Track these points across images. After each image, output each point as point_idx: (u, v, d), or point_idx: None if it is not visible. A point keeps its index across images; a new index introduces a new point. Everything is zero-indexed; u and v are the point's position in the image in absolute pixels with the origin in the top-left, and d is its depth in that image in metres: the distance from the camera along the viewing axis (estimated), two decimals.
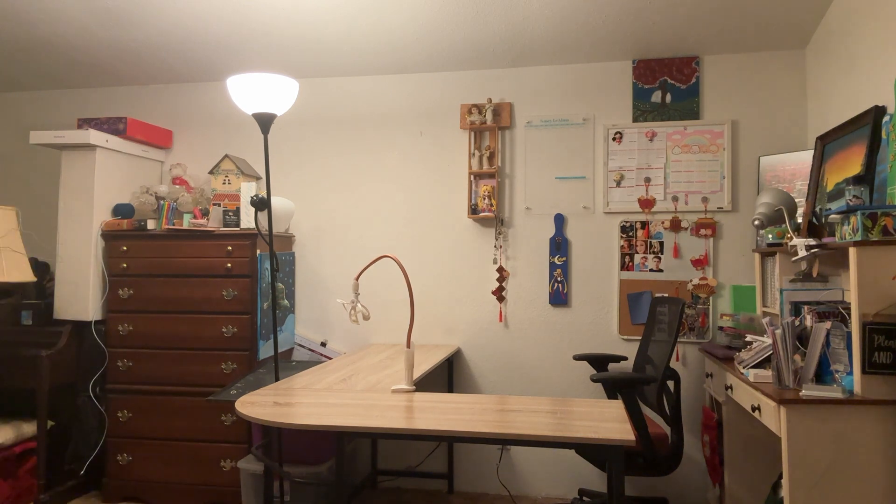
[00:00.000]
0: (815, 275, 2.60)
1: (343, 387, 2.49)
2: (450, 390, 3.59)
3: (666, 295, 3.38)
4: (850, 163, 2.48)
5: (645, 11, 2.98)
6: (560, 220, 3.53)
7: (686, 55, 3.42)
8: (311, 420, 2.00)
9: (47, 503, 3.21)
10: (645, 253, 3.43)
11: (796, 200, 2.80)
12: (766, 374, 2.32)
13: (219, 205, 3.51)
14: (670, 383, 3.01)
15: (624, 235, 3.46)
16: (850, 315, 2.08)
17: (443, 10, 3.01)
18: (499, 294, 3.59)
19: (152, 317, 3.42)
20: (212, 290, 3.37)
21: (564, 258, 3.52)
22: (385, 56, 3.51)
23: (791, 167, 3.10)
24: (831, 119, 2.94)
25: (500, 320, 3.59)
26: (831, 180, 2.62)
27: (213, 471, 3.33)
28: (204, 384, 3.35)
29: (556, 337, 3.52)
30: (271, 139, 3.86)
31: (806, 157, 3.00)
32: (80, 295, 3.41)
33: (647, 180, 3.43)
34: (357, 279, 2.47)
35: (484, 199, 3.54)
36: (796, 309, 2.47)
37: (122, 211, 3.55)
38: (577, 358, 3.30)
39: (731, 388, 2.66)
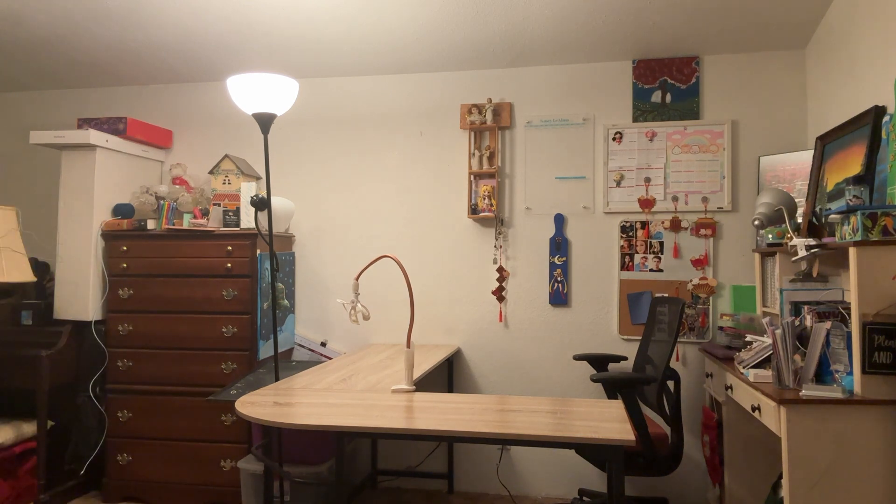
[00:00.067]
0: (815, 275, 2.60)
1: (343, 387, 2.49)
2: (450, 390, 3.59)
3: (666, 295, 3.38)
4: (850, 163, 2.48)
5: (645, 11, 2.98)
6: (560, 220, 3.53)
7: (686, 55, 3.42)
8: (311, 420, 2.00)
9: (47, 503, 3.21)
10: (645, 253, 3.43)
11: (796, 200, 2.80)
12: (766, 374, 2.32)
13: (219, 205, 3.51)
14: (670, 383, 3.01)
15: (624, 235, 3.46)
16: (850, 315, 2.08)
17: (443, 10, 3.01)
18: (499, 294, 3.59)
19: (152, 317, 3.42)
20: (212, 290, 3.37)
21: (564, 258, 3.52)
22: (385, 56, 3.51)
23: (791, 167, 3.10)
24: (831, 119, 2.94)
25: (500, 320, 3.59)
26: (831, 180, 2.62)
27: (213, 471, 3.33)
28: (204, 384, 3.35)
29: (556, 337, 3.52)
30: (271, 139, 3.87)
31: (806, 157, 3.00)
32: (80, 295, 3.41)
33: (647, 180, 3.43)
34: (357, 279, 2.47)
35: (484, 199, 3.54)
36: (796, 309, 2.47)
37: (122, 211, 3.55)
38: (577, 358, 3.30)
39: (731, 388, 2.66)
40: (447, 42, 3.33)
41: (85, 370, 3.44)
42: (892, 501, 1.96)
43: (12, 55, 3.59)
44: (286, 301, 3.63)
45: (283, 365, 3.28)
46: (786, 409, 2.02)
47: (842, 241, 2.16)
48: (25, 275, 3.28)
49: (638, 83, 3.47)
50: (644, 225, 3.44)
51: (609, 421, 1.99)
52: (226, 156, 3.53)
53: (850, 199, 2.20)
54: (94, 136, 3.38)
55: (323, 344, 3.73)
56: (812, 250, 2.35)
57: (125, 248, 3.46)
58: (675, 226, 3.40)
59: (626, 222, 3.46)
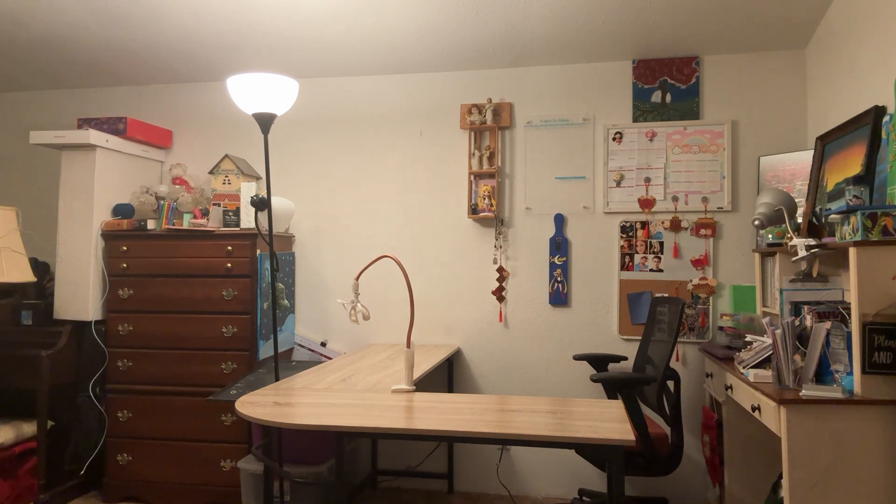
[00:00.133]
0: (815, 275, 2.60)
1: (343, 387, 2.49)
2: (450, 390, 3.59)
3: (666, 295, 3.38)
4: (850, 163, 2.48)
5: (645, 11, 2.98)
6: (560, 220, 3.53)
7: (686, 55, 3.42)
8: (311, 420, 2.00)
9: (47, 503, 3.21)
10: (645, 253, 3.43)
11: (796, 200, 2.80)
12: (766, 374, 2.32)
13: (219, 205, 3.51)
14: (670, 383, 3.01)
15: (624, 235, 3.46)
16: (850, 315, 2.08)
17: (443, 10, 3.01)
18: (499, 294, 3.59)
19: (152, 317, 3.42)
20: (212, 290, 3.37)
21: (564, 258, 3.52)
22: (385, 56, 3.51)
23: (791, 167, 3.10)
24: (831, 119, 2.94)
25: (500, 320, 3.59)
26: (831, 180, 2.62)
27: (213, 471, 3.33)
28: (204, 384, 3.35)
29: (556, 337, 3.52)
30: (271, 139, 3.87)
31: (806, 157, 3.00)
32: (80, 295, 3.41)
33: (647, 180, 3.43)
34: (357, 279, 2.47)
35: (484, 199, 3.54)
36: (796, 309, 2.47)
37: (122, 211, 3.55)
38: (577, 358, 3.30)
39: (731, 388, 2.66)
40: (447, 42, 3.33)
41: (85, 370, 3.44)
42: (892, 501, 1.96)
43: (12, 55, 3.59)
44: (286, 301, 3.63)
45: (283, 365, 3.28)
46: (786, 409, 2.02)
47: (842, 241, 2.16)
48: (25, 275, 3.28)
49: (638, 83, 3.47)
50: (644, 225, 3.44)
51: (609, 421, 1.99)
52: (226, 156, 3.53)
53: (850, 199, 2.20)
54: (94, 136, 3.38)
55: (323, 344, 3.73)
56: (812, 250, 2.35)
57: (125, 248, 3.46)
58: (675, 226, 3.40)
59: (626, 222, 3.46)
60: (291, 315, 3.72)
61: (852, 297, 2.02)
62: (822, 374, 2.19)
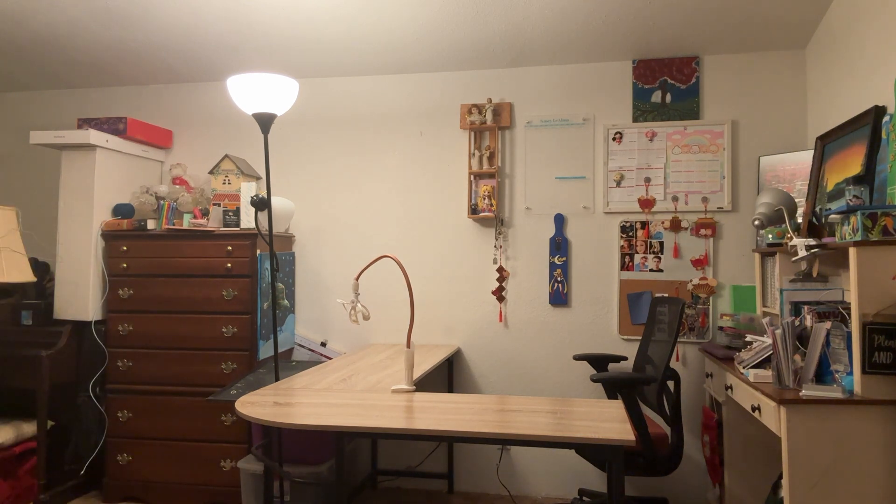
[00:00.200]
0: (815, 275, 2.60)
1: (343, 387, 2.49)
2: (450, 390, 3.59)
3: (666, 295, 3.38)
4: (850, 163, 2.48)
5: (645, 11, 2.98)
6: (560, 220, 3.53)
7: (686, 55, 3.42)
8: (311, 420, 2.00)
9: (47, 503, 3.21)
10: (645, 253, 3.43)
11: (796, 200, 2.80)
12: (766, 374, 2.32)
13: (219, 205, 3.51)
14: (670, 383, 3.01)
15: (624, 235, 3.46)
16: (850, 315, 2.08)
17: (443, 10, 3.01)
18: (499, 294, 3.59)
19: (152, 317, 3.42)
20: (212, 290, 3.37)
21: (564, 258, 3.52)
22: (385, 56, 3.51)
23: (791, 167, 3.10)
24: (831, 119, 2.94)
25: (500, 320, 3.59)
26: (831, 180, 2.62)
27: (213, 471, 3.33)
28: (204, 384, 3.35)
29: (556, 337, 3.52)
30: (271, 139, 3.87)
31: (806, 157, 3.00)
32: (80, 295, 3.41)
33: (647, 180, 3.43)
34: (357, 279, 2.47)
35: (484, 199, 3.54)
36: (796, 309, 2.47)
37: (122, 211, 3.55)
38: (577, 358, 3.30)
39: (731, 388, 2.66)
40: (447, 42, 3.33)
41: (85, 370, 3.44)
42: (892, 501, 1.96)
43: (12, 55, 3.59)
44: (286, 301, 3.63)
45: (283, 365, 3.28)
46: (786, 409, 2.02)
47: (842, 241, 2.16)
48: (25, 275, 3.28)
49: (638, 83, 3.47)
50: (644, 225, 3.44)
51: (609, 421, 1.99)
52: (226, 156, 3.53)
53: (850, 199, 2.20)
54: (94, 136, 3.38)
55: (323, 344, 3.73)
56: (812, 250, 2.35)
57: (125, 248, 3.46)
58: (675, 226, 3.40)
59: (626, 222, 3.46)
60: (291, 315, 3.72)
61: (852, 297, 2.02)
62: (822, 374, 2.19)
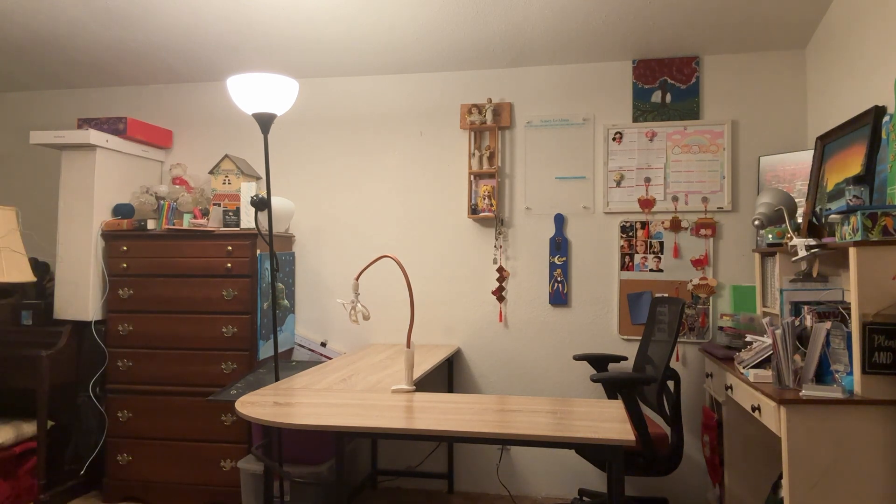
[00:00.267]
0: (815, 275, 2.60)
1: (343, 387, 2.49)
2: (450, 390, 3.59)
3: (666, 295, 3.38)
4: (850, 163, 2.48)
5: (645, 11, 2.98)
6: (560, 220, 3.53)
7: (686, 55, 3.42)
8: (311, 420, 2.00)
9: (47, 503, 3.21)
10: (645, 253, 3.43)
11: (796, 200, 2.80)
12: (766, 374, 2.32)
13: (219, 205, 3.51)
14: (670, 383, 3.01)
15: (624, 235, 3.46)
16: (850, 315, 2.08)
17: (443, 10, 3.01)
18: (499, 294, 3.59)
19: (152, 317, 3.42)
20: (212, 290, 3.37)
21: (564, 258, 3.52)
22: (385, 56, 3.51)
23: (791, 167, 3.10)
24: (831, 119, 2.94)
25: (500, 320, 3.59)
26: (831, 180, 2.62)
27: (213, 471, 3.33)
28: (204, 384, 3.35)
29: (556, 337, 3.52)
30: (271, 139, 3.87)
31: (806, 157, 3.00)
32: (80, 295, 3.41)
33: (647, 180, 3.43)
34: (357, 279, 2.47)
35: (484, 199, 3.54)
36: (796, 309, 2.47)
37: (122, 211, 3.55)
38: (577, 358, 3.30)
39: (731, 388, 2.66)
40: (447, 42, 3.33)
41: (85, 370, 3.44)
42: (892, 501, 1.96)
43: (12, 55, 3.59)
44: (286, 301, 3.63)
45: (283, 365, 3.28)
46: (786, 409, 2.02)
47: (842, 241, 2.16)
48: (25, 275, 3.28)
49: (638, 83, 3.47)
50: (644, 225, 3.44)
51: (609, 421, 1.99)
52: (226, 156, 3.53)
53: (850, 199, 2.20)
54: (94, 136, 3.38)
55: (323, 344, 3.73)
56: (812, 250, 2.35)
57: (125, 248, 3.46)
58: (675, 226, 3.40)
59: (626, 222, 3.46)
60: (291, 315, 3.72)
61: (852, 297, 2.02)
62: (822, 374, 2.19)
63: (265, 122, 2.59)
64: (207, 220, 3.52)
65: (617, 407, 2.19)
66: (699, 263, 3.38)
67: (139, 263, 3.44)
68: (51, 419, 3.30)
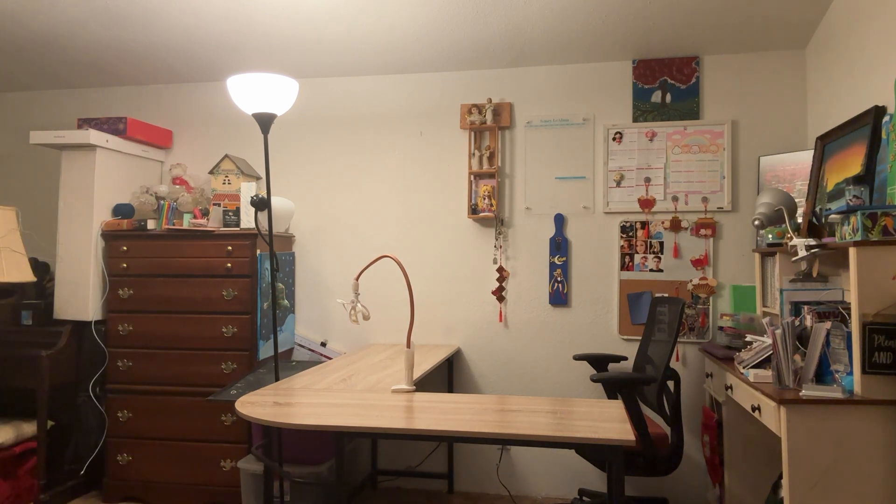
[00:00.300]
0: (815, 275, 2.60)
1: (343, 387, 2.49)
2: (450, 390, 3.59)
3: (666, 295, 3.38)
4: (850, 163, 2.48)
5: (645, 11, 2.98)
6: (560, 220, 3.53)
7: (686, 55, 3.42)
8: (311, 420, 2.00)
9: (47, 503, 3.21)
10: (645, 253, 3.43)
11: (796, 200, 2.80)
12: (766, 374, 2.32)
13: (219, 205, 3.51)
14: (670, 383, 3.01)
15: (624, 235, 3.46)
16: (850, 315, 2.08)
17: (443, 10, 3.01)
18: (499, 294, 3.59)
19: (152, 317, 3.42)
20: (212, 290, 3.37)
21: (564, 258, 3.52)
22: (385, 56, 3.51)
23: (791, 167, 3.10)
24: (831, 119, 2.94)
25: (500, 320, 3.59)
26: (831, 180, 2.62)
27: (213, 471, 3.33)
28: (204, 384, 3.35)
29: (556, 337, 3.52)
30: (271, 139, 3.87)
31: (806, 157, 3.00)
32: (80, 295, 3.41)
33: (647, 180, 3.43)
34: (357, 279, 2.47)
35: (484, 199, 3.54)
36: (796, 309, 2.47)
37: (122, 211, 3.55)
38: (577, 358, 3.30)
39: (731, 388, 2.66)
40: (447, 42, 3.33)
41: (85, 370, 3.44)
42: (892, 501, 1.96)
43: (12, 55, 3.59)
44: (286, 301, 3.63)
45: (283, 365, 3.28)
46: (786, 409, 2.02)
47: (842, 241, 2.16)
48: (25, 275, 3.28)
49: (638, 83, 3.47)
50: (644, 225, 3.44)
51: (609, 421, 1.99)
52: (226, 156, 3.53)
53: (850, 199, 2.20)
54: (94, 136, 3.38)
55: (323, 344, 3.73)
56: (812, 250, 2.35)
57: (125, 248, 3.46)
58: (675, 226, 3.40)
59: (626, 222, 3.46)
60: (291, 315, 3.72)
61: (852, 297, 2.02)
62: (822, 374, 2.19)
63: (265, 122, 2.59)
64: (207, 220, 3.52)
65: (617, 407, 2.19)
66: (699, 263, 3.38)
67: (139, 263, 3.44)
68: (51, 419, 3.30)
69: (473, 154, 3.59)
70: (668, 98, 3.43)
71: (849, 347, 2.08)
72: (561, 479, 3.48)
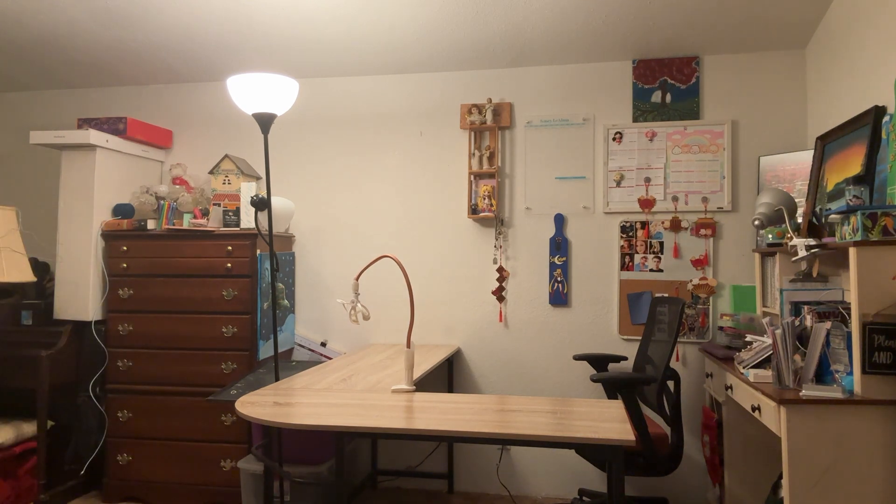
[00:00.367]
0: (815, 275, 2.60)
1: (343, 387, 2.49)
2: (450, 390, 3.59)
3: (666, 295, 3.38)
4: (850, 163, 2.48)
5: (645, 11, 2.98)
6: (560, 220, 3.53)
7: (686, 55, 3.42)
8: (311, 420, 2.00)
9: (47, 503, 3.21)
10: (645, 253, 3.43)
11: (796, 200, 2.80)
12: (766, 374, 2.32)
13: (219, 205, 3.51)
14: (670, 383, 3.01)
15: (624, 235, 3.46)
16: (850, 315, 2.08)
17: (443, 10, 3.01)
18: (499, 294, 3.59)
19: (152, 317, 3.42)
20: (212, 290, 3.37)
21: (564, 258, 3.52)
22: (385, 56, 3.51)
23: (791, 167, 3.10)
24: (831, 119, 2.94)
25: (500, 320, 3.59)
26: (831, 180, 2.62)
27: (213, 471, 3.33)
28: (204, 384, 3.35)
29: (556, 337, 3.52)
30: (271, 139, 3.87)
31: (806, 157, 3.00)
32: (80, 295, 3.41)
33: (647, 180, 3.43)
34: (357, 279, 2.47)
35: (484, 199, 3.54)
36: (796, 309, 2.47)
37: (122, 211, 3.55)
38: (577, 358, 3.30)
39: (731, 388, 2.66)
40: (447, 42, 3.33)
41: (85, 370, 3.44)
42: (892, 501, 1.96)
43: (12, 55, 3.59)
44: (286, 301, 3.63)
45: (283, 365, 3.28)
46: (786, 409, 2.02)
47: (842, 241, 2.16)
48: (25, 275, 3.28)
49: (638, 83, 3.47)
50: (644, 225, 3.44)
51: (609, 421, 1.99)
52: (226, 156, 3.53)
53: (850, 199, 2.20)
54: (94, 136, 3.38)
55: (323, 344, 3.73)
56: (812, 250, 2.35)
57: (125, 248, 3.46)
58: (675, 226, 3.40)
59: (626, 222, 3.46)
60: (291, 315, 3.72)
61: (852, 297, 2.02)
62: (822, 374, 2.19)
63: (265, 122, 2.59)
64: (207, 220, 3.52)
65: (617, 407, 2.19)
66: (699, 263, 3.38)
67: (139, 263, 3.45)
68: (51, 419, 3.30)
69: (473, 154, 3.59)
70: (668, 98, 3.43)
71: (849, 347, 2.08)
72: (561, 479, 3.48)
